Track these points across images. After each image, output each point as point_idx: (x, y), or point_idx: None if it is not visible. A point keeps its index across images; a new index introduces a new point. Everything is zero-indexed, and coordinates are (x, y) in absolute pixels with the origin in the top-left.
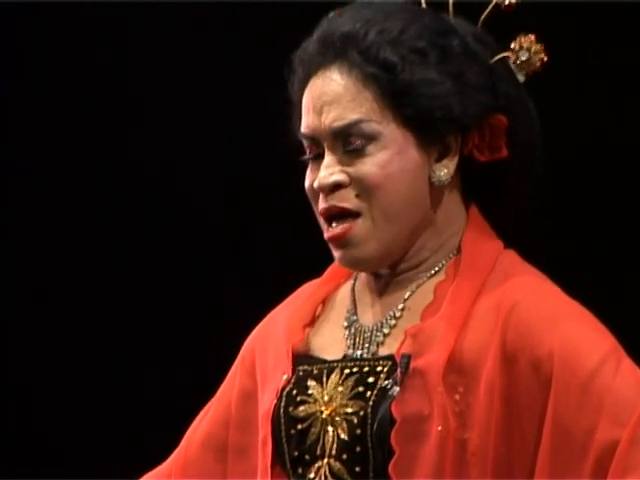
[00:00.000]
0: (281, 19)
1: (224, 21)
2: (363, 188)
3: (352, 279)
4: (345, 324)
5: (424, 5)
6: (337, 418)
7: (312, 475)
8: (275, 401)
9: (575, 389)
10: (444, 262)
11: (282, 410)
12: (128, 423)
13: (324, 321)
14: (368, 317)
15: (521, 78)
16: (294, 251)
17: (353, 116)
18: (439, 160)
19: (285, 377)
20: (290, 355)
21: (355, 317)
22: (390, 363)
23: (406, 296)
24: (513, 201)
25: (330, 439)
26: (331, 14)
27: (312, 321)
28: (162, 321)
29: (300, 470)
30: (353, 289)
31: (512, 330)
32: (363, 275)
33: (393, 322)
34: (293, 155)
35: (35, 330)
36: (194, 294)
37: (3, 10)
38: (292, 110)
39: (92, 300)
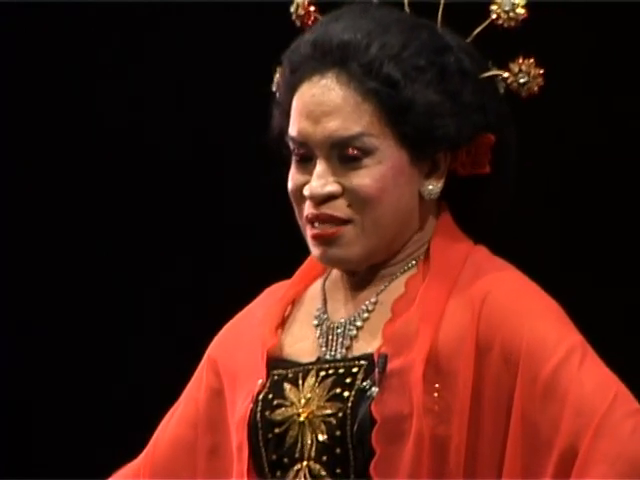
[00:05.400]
0: None
1: None
2: (357, 199)
3: (322, 278)
4: (315, 322)
5: (406, 6)
6: (315, 420)
7: (291, 478)
8: (251, 406)
9: (540, 382)
10: (417, 259)
11: (259, 415)
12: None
13: (293, 321)
14: (340, 313)
15: (501, 89)
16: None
17: (356, 128)
18: (429, 176)
19: (260, 382)
20: (265, 360)
21: (325, 315)
22: (366, 363)
23: (379, 290)
24: (485, 208)
25: (308, 441)
26: (325, 18)
27: (282, 322)
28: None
29: (279, 473)
30: (323, 288)
31: (484, 323)
32: (334, 273)
33: (366, 315)
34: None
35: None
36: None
37: None
38: (273, 107)
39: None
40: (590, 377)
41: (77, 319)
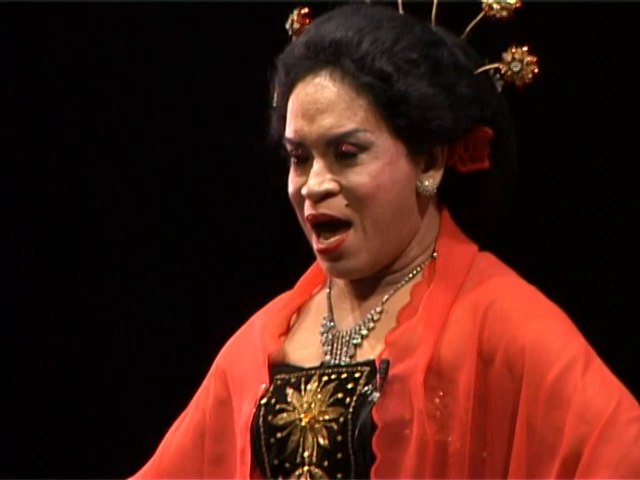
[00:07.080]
0: None
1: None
2: (354, 197)
3: (327, 287)
4: (321, 330)
5: (400, 6)
6: (316, 425)
7: None
8: (254, 411)
9: (544, 389)
10: (422, 266)
11: (261, 419)
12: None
13: (299, 329)
14: (346, 322)
15: (499, 88)
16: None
17: (350, 125)
18: (426, 171)
19: (263, 387)
20: (267, 365)
21: (332, 323)
22: (368, 369)
23: (384, 299)
24: (488, 207)
25: (310, 446)
26: (317, 20)
27: (287, 330)
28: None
29: (281, 478)
30: (329, 296)
31: (488, 329)
32: (340, 282)
33: (371, 325)
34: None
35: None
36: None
37: None
38: (271, 112)
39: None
40: (594, 383)
41: (78, 319)
